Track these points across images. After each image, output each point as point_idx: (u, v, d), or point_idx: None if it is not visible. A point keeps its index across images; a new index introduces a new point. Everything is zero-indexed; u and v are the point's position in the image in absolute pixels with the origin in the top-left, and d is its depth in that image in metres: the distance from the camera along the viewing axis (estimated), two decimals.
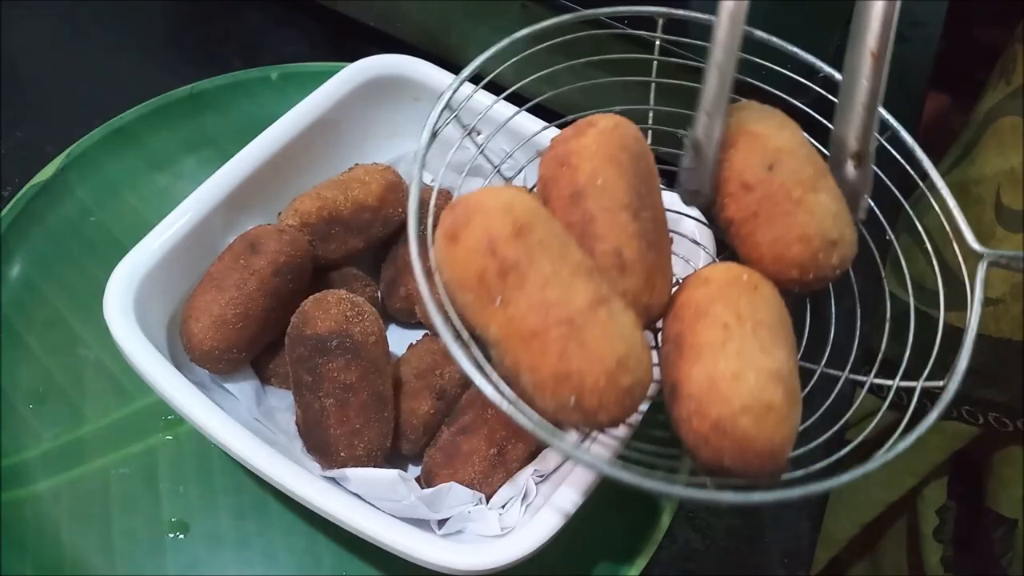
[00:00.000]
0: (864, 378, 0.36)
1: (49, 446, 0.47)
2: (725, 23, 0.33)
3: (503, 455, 0.42)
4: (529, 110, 0.46)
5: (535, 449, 0.43)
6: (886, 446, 0.31)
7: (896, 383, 0.34)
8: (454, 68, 0.52)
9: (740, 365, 0.30)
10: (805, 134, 0.36)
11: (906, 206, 0.38)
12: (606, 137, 0.34)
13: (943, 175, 0.36)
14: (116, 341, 0.40)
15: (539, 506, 0.40)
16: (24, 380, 0.48)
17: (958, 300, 0.35)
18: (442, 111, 0.36)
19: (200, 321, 0.42)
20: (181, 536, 0.45)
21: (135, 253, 0.43)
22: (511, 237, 0.29)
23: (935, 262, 0.36)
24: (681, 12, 0.40)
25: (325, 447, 0.42)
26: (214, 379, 0.45)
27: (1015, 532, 0.39)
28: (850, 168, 0.34)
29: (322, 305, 0.42)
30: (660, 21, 0.40)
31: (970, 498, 0.32)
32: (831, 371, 0.36)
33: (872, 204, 0.37)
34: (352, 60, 0.51)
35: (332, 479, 0.41)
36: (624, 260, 0.33)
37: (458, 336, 0.31)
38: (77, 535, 0.44)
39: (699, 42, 0.36)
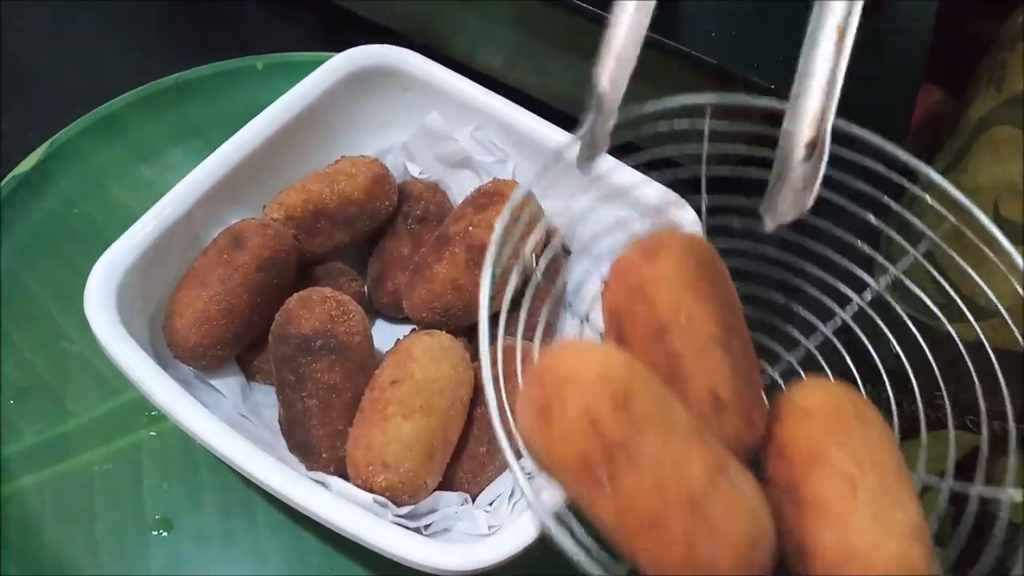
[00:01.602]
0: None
1: (32, 441, 0.46)
2: None
3: (493, 453, 0.42)
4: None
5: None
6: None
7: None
8: (444, 58, 0.51)
9: (877, 532, 0.28)
10: None
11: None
12: (682, 262, 0.31)
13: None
14: (96, 336, 0.40)
15: (526, 504, 0.39)
16: (6, 374, 0.48)
17: (959, 313, 0.34)
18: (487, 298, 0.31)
19: (183, 317, 0.42)
20: (165, 533, 0.44)
21: (116, 247, 0.42)
22: (612, 413, 0.26)
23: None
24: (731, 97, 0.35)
25: (307, 448, 0.41)
26: (198, 375, 0.44)
27: (1018, 537, 0.39)
28: (799, 158, 0.30)
29: (306, 304, 0.42)
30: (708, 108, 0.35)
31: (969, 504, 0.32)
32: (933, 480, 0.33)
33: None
34: (344, 50, 0.50)
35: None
36: (720, 401, 0.30)
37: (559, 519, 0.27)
38: (60, 532, 0.44)
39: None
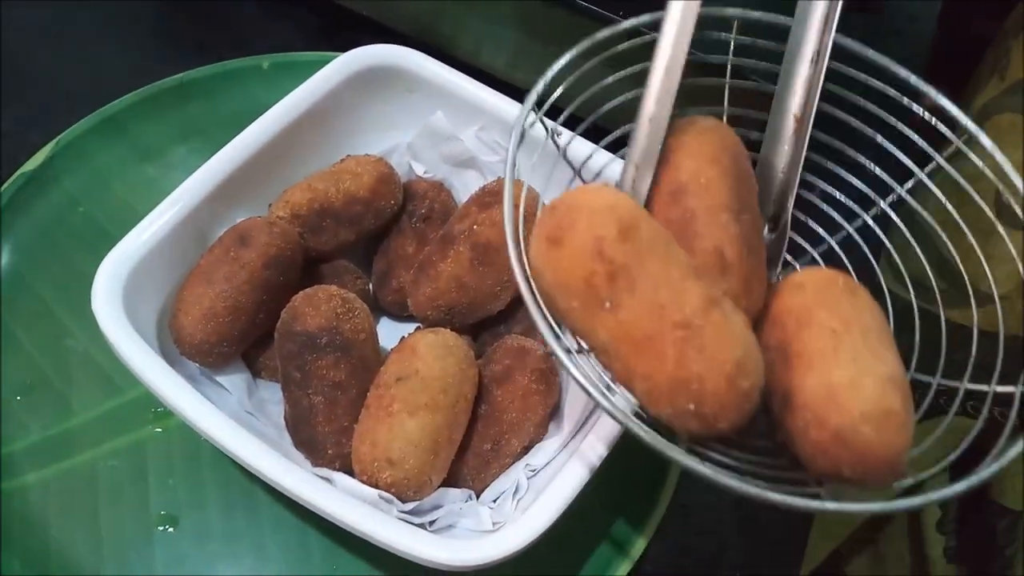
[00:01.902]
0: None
1: (37, 438, 0.46)
2: (659, 74, 0.33)
3: (497, 450, 0.42)
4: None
5: (528, 444, 0.43)
6: (995, 451, 0.30)
7: (993, 388, 0.34)
8: (447, 59, 0.51)
9: (856, 372, 0.29)
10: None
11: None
12: (708, 136, 0.34)
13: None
14: (103, 333, 0.40)
15: (530, 501, 0.39)
16: (11, 371, 0.48)
17: (959, 297, 0.35)
18: (528, 112, 0.34)
19: (190, 315, 0.42)
20: (170, 529, 0.44)
21: (123, 245, 0.42)
22: (618, 238, 0.28)
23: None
24: (757, 13, 0.37)
25: (313, 444, 0.41)
26: (204, 372, 0.44)
27: (1018, 523, 0.39)
28: (765, 232, 0.35)
29: (312, 301, 0.42)
30: (735, 23, 0.38)
31: (972, 490, 0.33)
32: (923, 378, 0.35)
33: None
34: (345, 50, 0.50)
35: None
36: (725, 260, 0.32)
37: (568, 351, 0.30)
38: (65, 528, 0.44)
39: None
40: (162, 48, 0.64)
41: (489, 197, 0.46)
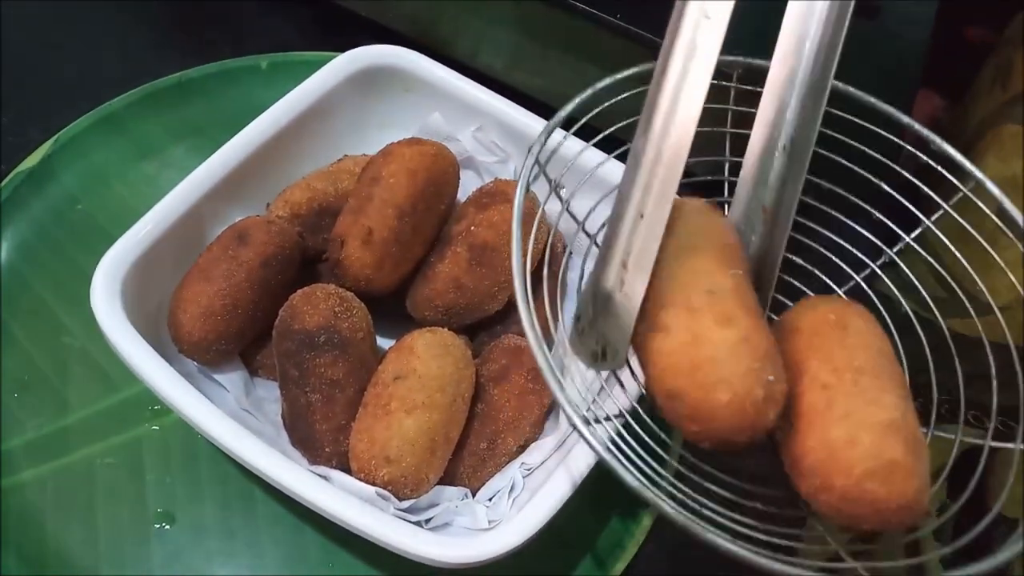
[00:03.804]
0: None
1: (33, 435, 0.46)
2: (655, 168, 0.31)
3: (493, 449, 0.42)
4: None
5: (524, 443, 0.43)
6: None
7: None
8: (446, 59, 0.51)
9: (850, 427, 0.29)
10: None
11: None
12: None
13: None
14: (102, 330, 0.40)
15: (526, 500, 0.40)
16: (8, 368, 0.48)
17: (959, 307, 0.35)
18: (533, 165, 0.34)
19: (188, 312, 0.42)
20: (167, 527, 0.45)
21: (122, 242, 0.42)
22: None
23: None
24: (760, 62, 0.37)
25: (310, 442, 0.42)
26: (202, 370, 0.44)
27: (1016, 531, 0.39)
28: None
29: (310, 299, 0.42)
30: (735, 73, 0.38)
31: (970, 498, 0.33)
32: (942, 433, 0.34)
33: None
34: (343, 49, 0.51)
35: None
36: None
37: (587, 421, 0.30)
38: (61, 525, 0.44)
39: None
40: (160, 46, 0.63)
41: (487, 198, 0.46)
